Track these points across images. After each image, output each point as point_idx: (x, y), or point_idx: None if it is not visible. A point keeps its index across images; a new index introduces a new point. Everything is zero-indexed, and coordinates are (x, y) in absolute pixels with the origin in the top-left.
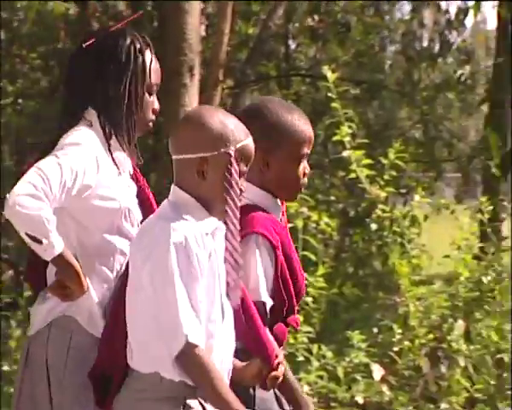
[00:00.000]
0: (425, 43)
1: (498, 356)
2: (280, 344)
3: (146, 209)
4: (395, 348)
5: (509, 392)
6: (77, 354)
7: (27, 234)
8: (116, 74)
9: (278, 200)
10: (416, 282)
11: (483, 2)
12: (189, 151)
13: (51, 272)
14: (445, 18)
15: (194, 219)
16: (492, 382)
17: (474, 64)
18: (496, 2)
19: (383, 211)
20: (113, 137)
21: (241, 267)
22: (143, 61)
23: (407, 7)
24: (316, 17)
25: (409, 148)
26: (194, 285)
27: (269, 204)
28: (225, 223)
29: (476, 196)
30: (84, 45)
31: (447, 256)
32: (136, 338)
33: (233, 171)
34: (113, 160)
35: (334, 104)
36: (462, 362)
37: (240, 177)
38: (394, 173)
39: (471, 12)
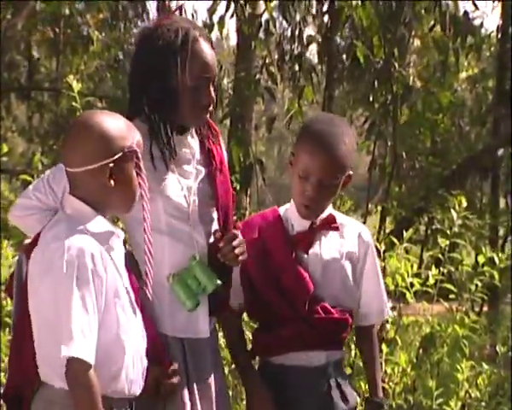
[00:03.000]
0: None
1: None
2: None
3: (213, 189)
4: None
5: None
6: None
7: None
8: (151, 69)
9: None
10: None
11: (227, 19)
12: (94, 161)
13: None
14: None
15: (90, 231)
16: None
17: (219, 79)
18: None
19: None
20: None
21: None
22: (175, 55)
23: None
24: (57, 29)
25: None
26: (89, 300)
27: (291, 210)
28: (143, 218)
29: None
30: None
31: None
32: (42, 353)
33: (141, 164)
34: (152, 157)
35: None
36: None
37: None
38: None
39: (216, 27)
